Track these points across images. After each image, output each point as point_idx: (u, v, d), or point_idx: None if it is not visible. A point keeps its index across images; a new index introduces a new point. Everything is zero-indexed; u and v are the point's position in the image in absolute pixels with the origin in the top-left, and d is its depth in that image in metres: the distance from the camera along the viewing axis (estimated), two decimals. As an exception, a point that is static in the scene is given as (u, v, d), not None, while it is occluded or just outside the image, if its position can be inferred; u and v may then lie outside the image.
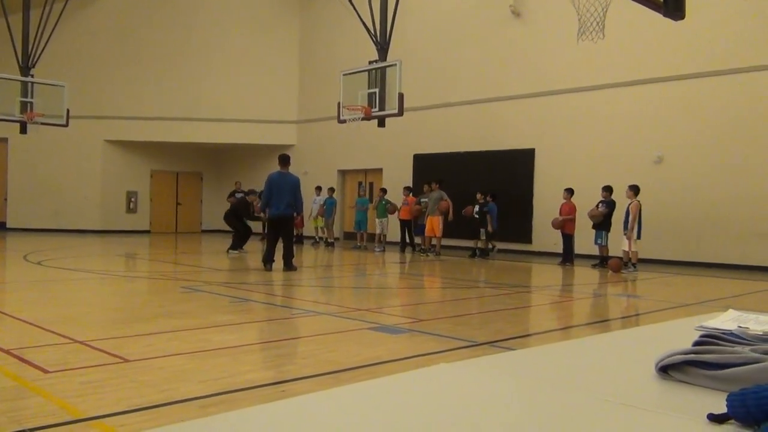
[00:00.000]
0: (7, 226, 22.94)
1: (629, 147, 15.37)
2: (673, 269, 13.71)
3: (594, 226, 13.68)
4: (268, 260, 11.67)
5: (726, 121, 14.11)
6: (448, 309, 8.30)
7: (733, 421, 1.06)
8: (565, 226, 14.25)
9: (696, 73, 14.50)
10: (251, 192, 17.30)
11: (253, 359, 4.91)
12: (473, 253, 16.11)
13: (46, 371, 4.35)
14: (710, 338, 1.44)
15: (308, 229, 20.06)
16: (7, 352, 4.88)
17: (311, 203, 19.15)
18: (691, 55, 14.56)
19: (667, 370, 1.35)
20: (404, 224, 17.44)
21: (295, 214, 11.95)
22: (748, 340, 1.45)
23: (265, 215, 11.53)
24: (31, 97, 17.58)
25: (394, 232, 18.31)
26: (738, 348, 1.35)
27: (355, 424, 1.11)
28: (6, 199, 23.18)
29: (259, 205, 11.66)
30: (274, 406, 1.22)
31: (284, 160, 11.74)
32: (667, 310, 8.05)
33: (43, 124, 17.76)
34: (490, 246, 16.36)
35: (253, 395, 3.95)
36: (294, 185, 11.64)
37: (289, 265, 11.61)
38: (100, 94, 22.86)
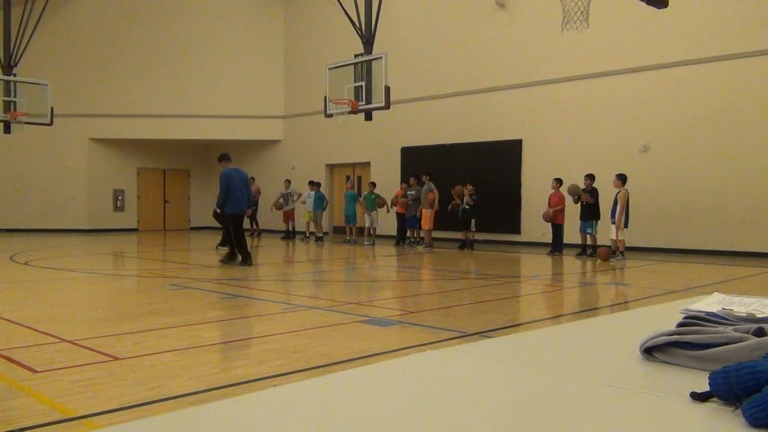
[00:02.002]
0: (-7, 226, 22.75)
1: (616, 136, 15.45)
2: (661, 257, 13.81)
3: (582, 216, 13.75)
4: (247, 256, 11.70)
5: (711, 109, 14.21)
6: (438, 300, 8.32)
7: (715, 399, 1.08)
8: (555, 216, 14.31)
9: (680, 61, 14.57)
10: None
11: (244, 355, 4.91)
12: (462, 244, 16.16)
13: (35, 371, 4.33)
14: (694, 320, 1.45)
15: (299, 225, 20.01)
16: (-4, 352, 4.85)
17: (305, 198, 19.12)
18: (675, 44, 14.63)
19: (651, 351, 1.37)
20: (399, 217, 17.43)
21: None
22: (730, 320, 1.47)
23: (220, 211, 11.56)
24: (14, 97, 17.41)
25: (386, 226, 18.31)
26: (720, 328, 1.36)
27: (344, 410, 1.12)
28: (-9, 200, 22.98)
29: (217, 203, 11.56)
30: (264, 395, 1.23)
31: (228, 157, 11.92)
32: (655, 296, 8.12)
33: (27, 123, 17.59)
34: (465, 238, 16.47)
35: (244, 391, 3.95)
36: (246, 180, 11.96)
37: (234, 257, 11.78)
38: (84, 92, 22.68)
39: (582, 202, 13.59)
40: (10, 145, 21.70)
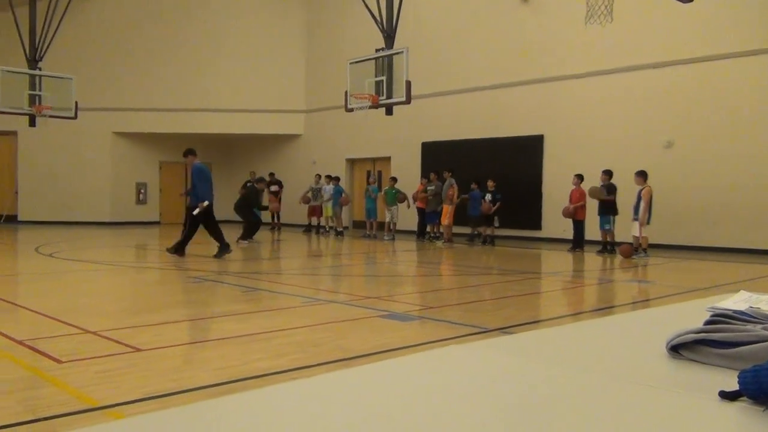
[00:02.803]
0: (19, 218, 23.08)
1: (639, 132, 15.27)
2: (684, 254, 13.65)
3: (600, 212, 13.64)
4: (225, 247, 11.74)
5: (736, 105, 13.99)
6: (458, 296, 8.30)
7: (744, 398, 1.06)
8: (576, 212, 14.20)
9: (705, 57, 14.36)
10: (260, 180, 17.32)
11: (264, 347, 4.94)
12: (483, 240, 16.11)
13: (59, 361, 4.39)
14: (721, 317, 1.43)
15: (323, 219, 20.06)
16: (21, 342, 4.92)
17: (323, 192, 19.18)
18: (701, 39, 14.42)
19: (678, 349, 1.35)
20: (420, 212, 17.41)
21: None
22: (759, 318, 1.44)
23: (202, 206, 11.44)
24: (40, 90, 17.66)
25: (404, 221, 18.29)
26: (749, 326, 1.34)
27: (366, 404, 1.11)
28: (17, 193, 23.30)
29: (205, 202, 11.45)
30: (285, 387, 1.23)
31: (194, 152, 12.07)
32: (679, 294, 8.03)
33: (51, 116, 17.84)
34: (475, 232, 16.39)
35: (264, 383, 3.97)
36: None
37: (176, 251, 11.76)
38: (107, 86, 22.90)
39: (602, 199, 13.46)
40: (35, 139, 21.98)
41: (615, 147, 15.50)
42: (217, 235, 11.77)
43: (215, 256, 11.64)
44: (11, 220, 23.18)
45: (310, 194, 19.65)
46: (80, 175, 23.10)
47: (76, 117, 18.37)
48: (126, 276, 10.14)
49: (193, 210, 11.50)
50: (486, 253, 14.34)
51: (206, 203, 11.42)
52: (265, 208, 16.46)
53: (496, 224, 16.02)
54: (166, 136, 24.00)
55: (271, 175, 21.36)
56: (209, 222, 11.79)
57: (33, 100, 17.51)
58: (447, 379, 1.27)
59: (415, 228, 17.76)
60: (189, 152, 12.05)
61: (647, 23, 15.08)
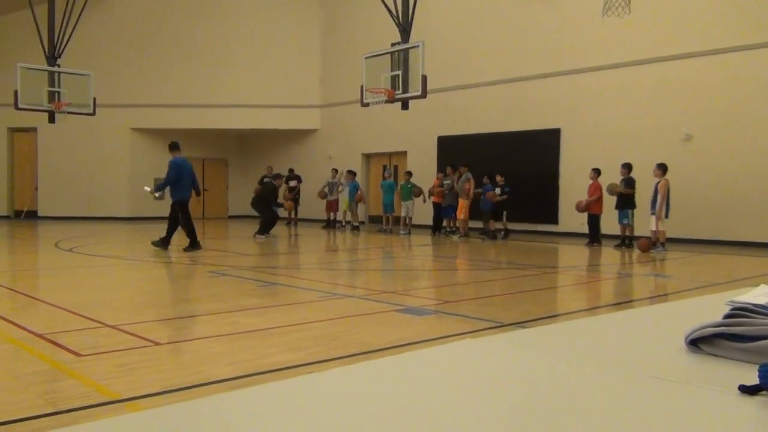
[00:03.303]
0: (39, 214, 23.34)
1: (657, 125, 15.13)
2: (703, 248, 13.51)
3: (618, 206, 13.54)
4: (167, 241, 12.06)
5: (756, 97, 13.80)
6: (474, 290, 8.28)
7: (765, 392, 1.05)
8: (592, 206, 14.12)
9: (724, 48, 14.17)
10: (278, 176, 17.37)
11: (281, 341, 4.96)
12: (493, 234, 16.07)
13: (79, 355, 4.44)
14: (741, 311, 1.41)
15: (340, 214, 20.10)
16: (41, 336, 4.98)
17: (342, 187, 19.23)
18: (719, 30, 14.24)
19: (697, 343, 1.34)
20: (436, 207, 17.40)
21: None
22: (780, 312, 1.42)
23: (153, 194, 12.07)
24: (58, 87, 17.82)
25: (421, 215, 18.27)
26: (770, 320, 1.32)
27: (382, 397, 1.12)
28: (36, 188, 23.57)
29: (157, 186, 11.99)
30: (302, 381, 1.23)
31: (178, 146, 12.30)
32: (697, 288, 7.96)
33: (70, 113, 18.01)
34: (486, 228, 16.34)
35: (281, 377, 3.99)
36: (192, 169, 12.40)
37: (161, 244, 12.07)
38: (125, 82, 23.06)
39: (620, 193, 13.38)
40: (54, 135, 22.21)
41: (633, 140, 15.36)
42: (189, 230, 12.15)
43: (185, 249, 11.98)
44: (31, 215, 23.46)
45: (326, 189, 19.69)
46: (99, 171, 23.30)
47: (94, 113, 18.52)
48: (144, 271, 10.23)
49: (178, 204, 11.95)
50: (501, 247, 14.29)
51: (157, 194, 12.11)
52: (280, 206, 16.51)
53: (504, 218, 15.94)
54: (183, 132, 24.10)
55: (291, 170, 21.42)
56: (184, 216, 12.12)
57: (52, 96, 17.68)
58: (462, 373, 1.27)
59: (430, 222, 17.74)
60: (172, 146, 12.34)
61: (665, 15, 14.92)
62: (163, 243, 12.09)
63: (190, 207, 12.28)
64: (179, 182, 11.90)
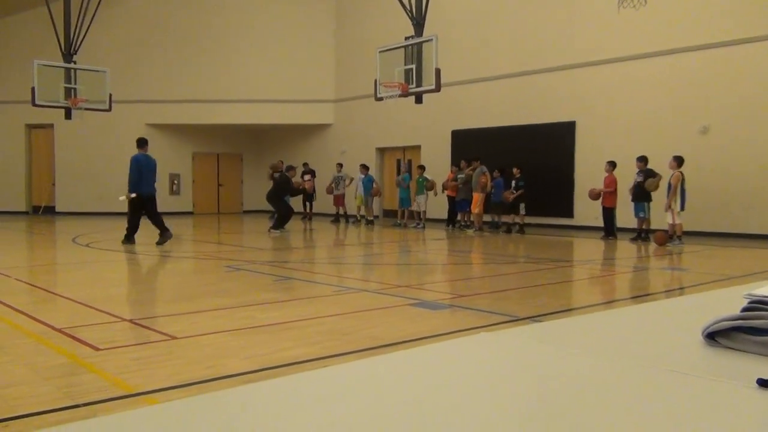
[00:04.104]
0: (56, 209, 23.56)
1: (674, 117, 14.98)
2: (721, 241, 13.39)
3: (634, 198, 13.43)
4: (165, 232, 12.37)
5: (775, 88, 13.63)
6: (488, 284, 8.27)
7: (784, 386, 1.04)
8: (606, 199, 14.02)
9: (742, 39, 13.98)
10: (290, 167, 17.20)
11: (296, 336, 4.98)
12: (508, 228, 16.01)
13: (97, 348, 4.48)
14: (759, 304, 1.40)
15: (349, 208, 20.12)
16: (60, 330, 5.04)
17: (356, 182, 19.24)
18: (736, 21, 14.06)
19: (714, 336, 1.33)
20: (450, 201, 17.37)
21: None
22: (799, 305, 1.40)
23: (128, 196, 12.32)
24: (75, 84, 17.97)
25: (434, 209, 18.24)
26: (789, 313, 1.31)
27: (397, 390, 1.12)
28: (54, 184, 23.79)
29: (132, 194, 12.35)
30: (316, 374, 1.24)
31: (144, 143, 12.74)
32: (714, 282, 7.89)
33: (86, 109, 18.15)
34: (498, 221, 16.26)
35: (296, 371, 4.00)
36: (155, 166, 12.77)
37: (166, 235, 12.38)
38: (140, 78, 23.18)
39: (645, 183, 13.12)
40: (71, 131, 22.39)
41: (649, 133, 15.23)
42: (158, 223, 12.45)
43: (157, 243, 12.17)
44: (49, 211, 23.69)
45: (333, 184, 19.76)
46: (115, 167, 23.40)
47: (110, 109, 18.66)
48: (161, 265, 10.30)
49: (145, 198, 12.33)
50: (516, 241, 14.24)
51: (133, 195, 12.20)
52: (298, 192, 16.50)
53: (523, 212, 15.87)
54: (198, 128, 24.26)
55: (305, 164, 21.45)
56: (150, 211, 12.45)
57: (68, 93, 17.84)
58: (477, 366, 1.26)
59: (444, 216, 17.71)
60: (138, 142, 12.79)
61: (681, 6, 14.75)
62: (162, 237, 12.32)
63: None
64: (142, 179, 12.29)
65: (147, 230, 12.71)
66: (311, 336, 4.96)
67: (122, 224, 12.86)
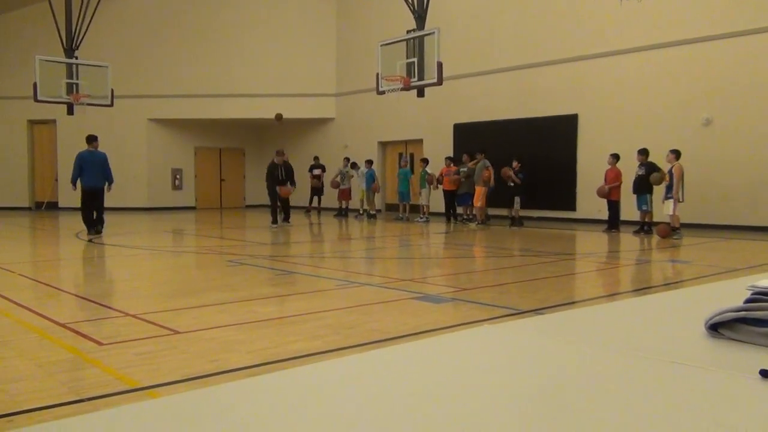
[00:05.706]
0: (59, 205, 23.59)
1: (676, 109, 14.94)
2: (723, 234, 13.36)
3: (635, 191, 13.40)
4: (92, 226, 13.20)
5: (778, 80, 13.58)
6: (491, 278, 8.27)
7: (787, 377, 1.04)
8: (611, 192, 14.01)
9: (744, 31, 13.93)
10: (278, 153, 16.12)
11: (299, 330, 4.99)
12: (511, 221, 15.99)
13: (100, 343, 4.49)
14: (762, 295, 1.40)
15: (353, 202, 20.11)
16: (63, 325, 5.05)
17: (358, 176, 19.25)
18: (739, 12, 14.00)
19: (717, 328, 1.32)
20: (447, 194, 17.35)
21: (106, 186, 13.55)
22: (802, 297, 1.40)
23: (74, 188, 13.28)
24: (77, 79, 17.96)
25: (438, 203, 18.23)
26: (792, 305, 1.31)
27: (401, 383, 1.12)
28: (57, 180, 23.80)
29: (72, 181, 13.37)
30: (319, 368, 1.24)
31: (92, 140, 13.53)
32: (716, 274, 7.88)
33: (89, 104, 18.15)
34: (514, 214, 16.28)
35: (299, 365, 4.01)
36: (102, 161, 13.38)
37: (99, 230, 13.29)
38: (142, 73, 23.18)
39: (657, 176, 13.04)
40: (73, 127, 22.37)
41: (652, 125, 15.19)
42: (98, 216, 13.33)
43: (89, 234, 13.03)
44: (52, 206, 23.72)
45: (338, 178, 19.73)
46: (117, 162, 23.28)
47: (112, 104, 18.66)
48: (164, 260, 10.32)
49: (88, 190, 13.15)
50: (519, 234, 14.23)
51: (74, 189, 13.19)
52: (284, 183, 15.55)
53: (517, 206, 15.82)
54: (200, 122, 24.25)
55: (316, 158, 21.39)
56: (96, 204, 13.29)
57: (70, 88, 17.83)
58: (480, 359, 1.26)
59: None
60: (88, 139, 13.56)
61: (685, -3, 14.69)
62: (94, 230, 13.17)
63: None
64: (84, 173, 13.04)
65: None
66: (314, 330, 4.97)
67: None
